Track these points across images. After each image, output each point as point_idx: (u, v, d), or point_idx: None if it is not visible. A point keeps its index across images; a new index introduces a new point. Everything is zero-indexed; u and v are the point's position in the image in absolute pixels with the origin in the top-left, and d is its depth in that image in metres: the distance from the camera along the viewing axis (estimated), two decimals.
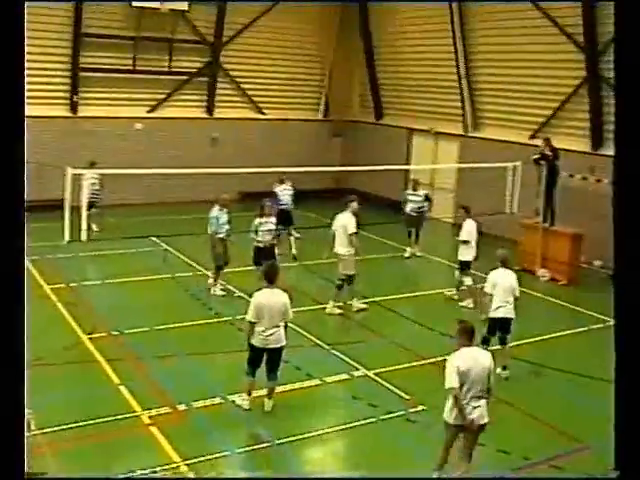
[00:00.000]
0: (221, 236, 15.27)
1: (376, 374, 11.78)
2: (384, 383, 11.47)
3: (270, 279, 10.27)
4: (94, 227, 19.17)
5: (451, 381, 7.94)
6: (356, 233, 14.60)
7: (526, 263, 18.20)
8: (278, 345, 10.18)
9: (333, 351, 12.60)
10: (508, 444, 9.67)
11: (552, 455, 9.44)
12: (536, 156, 18.00)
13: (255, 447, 9.46)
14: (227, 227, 15.37)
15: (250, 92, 26.57)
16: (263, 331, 10.03)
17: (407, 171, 24.11)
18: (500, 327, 11.63)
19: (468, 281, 15.31)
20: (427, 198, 19.91)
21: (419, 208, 19.57)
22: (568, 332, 13.47)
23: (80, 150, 22.05)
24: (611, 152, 18.32)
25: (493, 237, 21.08)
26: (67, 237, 12.82)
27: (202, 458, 9.02)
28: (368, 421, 10.22)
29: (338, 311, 14.84)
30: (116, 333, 13.14)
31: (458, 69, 23.13)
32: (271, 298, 10.11)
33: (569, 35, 19.56)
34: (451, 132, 24.04)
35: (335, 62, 27.80)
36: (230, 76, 25.99)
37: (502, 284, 11.45)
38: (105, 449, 9.26)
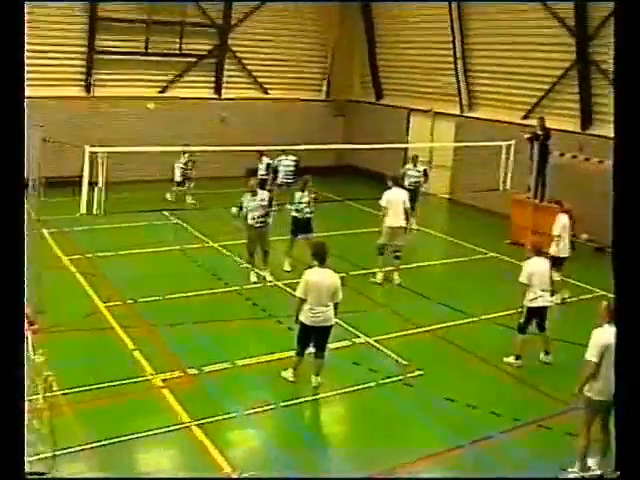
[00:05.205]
0: (251, 223, 14.38)
1: (376, 341, 11.84)
2: (383, 349, 11.53)
3: (321, 259, 9.94)
4: (189, 200, 21.36)
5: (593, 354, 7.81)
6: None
7: (516, 237, 18.19)
8: (326, 324, 9.95)
9: (335, 319, 12.64)
10: (499, 407, 9.75)
11: (540, 417, 9.52)
12: (528, 135, 17.97)
13: (261, 409, 9.52)
14: (257, 214, 14.31)
15: (256, 73, 26.42)
16: (310, 309, 9.81)
17: (406, 149, 24.04)
18: (538, 316, 11.09)
19: (556, 276, 14.10)
20: (425, 173, 19.91)
21: (416, 182, 19.58)
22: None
23: (95, 129, 22.00)
24: (599, 132, 18.35)
25: (487, 212, 21.22)
26: (83, 210, 12.80)
27: (211, 419, 9.11)
28: (368, 385, 10.28)
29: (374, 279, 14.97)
30: (130, 302, 13.20)
31: (454, 52, 22.98)
32: (321, 277, 9.84)
33: (561, 20, 19.41)
34: (448, 112, 23.92)
35: (337, 45, 27.57)
36: (237, 58, 25.83)
37: (538, 273, 10.86)
38: (120, 409, 9.35)
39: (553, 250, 13.68)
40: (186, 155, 21.16)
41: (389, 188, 14.96)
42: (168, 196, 21.51)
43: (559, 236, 13.83)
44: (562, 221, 13.97)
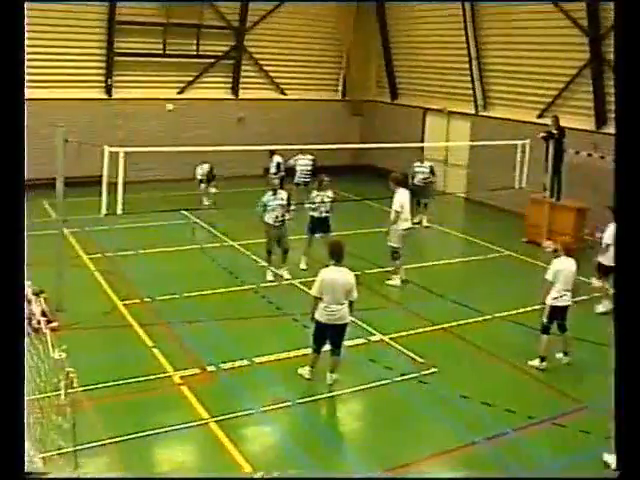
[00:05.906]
0: (269, 222, 14.44)
1: (391, 339, 11.81)
2: (399, 347, 11.50)
3: (337, 257, 9.90)
4: (205, 201, 20.79)
5: None
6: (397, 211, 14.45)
7: (532, 235, 18.12)
8: (341, 322, 9.92)
9: (350, 317, 12.61)
10: (514, 404, 9.69)
11: (555, 415, 9.46)
12: (543, 134, 17.88)
13: (277, 406, 9.52)
14: (276, 213, 14.36)
15: (273, 74, 26.42)
16: (326, 307, 9.78)
17: (422, 148, 23.99)
18: (560, 315, 10.97)
19: (596, 283, 13.89)
20: (432, 170, 19.89)
21: (425, 179, 19.56)
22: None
23: (114, 130, 22.09)
24: (614, 130, 18.21)
25: (503, 211, 21.11)
26: (104, 210, 12.81)
27: (229, 415, 9.12)
28: (383, 382, 10.26)
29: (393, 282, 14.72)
30: (149, 300, 13.24)
31: (469, 52, 22.87)
32: (336, 276, 9.79)
33: (574, 20, 19.27)
34: (463, 111, 23.83)
35: (353, 45, 27.54)
36: (254, 59, 25.85)
37: (564, 272, 10.80)
38: (140, 405, 9.38)
39: (604, 259, 13.40)
40: (205, 168, 20.70)
41: (394, 191, 14.79)
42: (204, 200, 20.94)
43: (609, 245, 13.27)
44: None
